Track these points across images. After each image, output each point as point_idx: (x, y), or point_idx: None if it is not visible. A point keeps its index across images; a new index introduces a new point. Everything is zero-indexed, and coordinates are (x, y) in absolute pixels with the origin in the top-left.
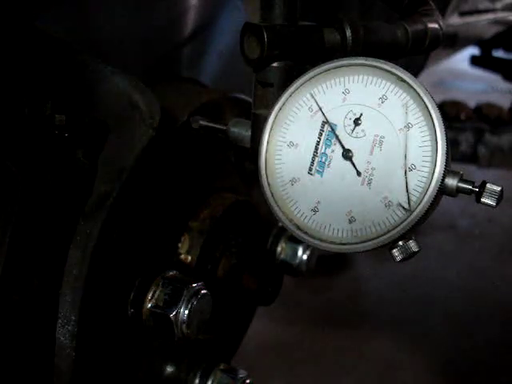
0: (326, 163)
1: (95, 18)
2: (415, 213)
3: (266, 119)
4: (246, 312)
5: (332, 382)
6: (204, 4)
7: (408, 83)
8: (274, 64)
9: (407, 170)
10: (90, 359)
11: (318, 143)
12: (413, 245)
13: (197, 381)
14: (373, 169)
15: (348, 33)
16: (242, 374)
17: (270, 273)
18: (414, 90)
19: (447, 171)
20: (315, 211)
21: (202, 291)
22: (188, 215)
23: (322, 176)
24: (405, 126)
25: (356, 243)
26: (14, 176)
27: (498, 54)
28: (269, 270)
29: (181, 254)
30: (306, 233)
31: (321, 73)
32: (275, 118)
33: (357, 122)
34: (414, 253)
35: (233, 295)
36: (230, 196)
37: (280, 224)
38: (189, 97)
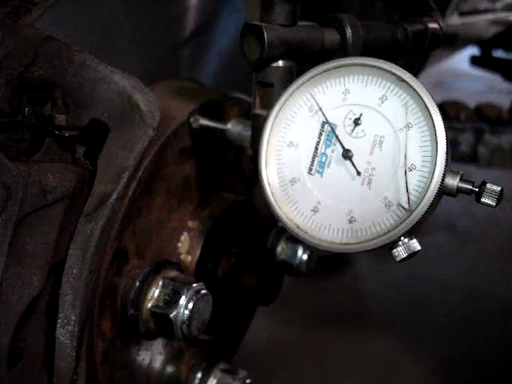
0: (326, 163)
1: (96, 17)
2: (415, 213)
3: (265, 119)
4: (246, 312)
5: (332, 381)
6: (204, 4)
7: (408, 83)
8: (274, 64)
9: (407, 169)
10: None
11: (317, 143)
12: (413, 245)
13: (197, 381)
14: (373, 169)
15: (348, 33)
16: (241, 373)
17: (269, 273)
18: (414, 89)
19: (447, 171)
20: (315, 211)
21: (202, 291)
22: (188, 215)
23: (321, 176)
24: (405, 126)
25: (356, 243)
26: (15, 176)
27: (498, 54)
28: (269, 270)
29: (181, 254)
30: (305, 233)
31: (321, 73)
32: (275, 117)
33: (357, 122)
34: (414, 253)
35: (233, 295)
36: (229, 196)
37: (280, 224)
38: (189, 97)
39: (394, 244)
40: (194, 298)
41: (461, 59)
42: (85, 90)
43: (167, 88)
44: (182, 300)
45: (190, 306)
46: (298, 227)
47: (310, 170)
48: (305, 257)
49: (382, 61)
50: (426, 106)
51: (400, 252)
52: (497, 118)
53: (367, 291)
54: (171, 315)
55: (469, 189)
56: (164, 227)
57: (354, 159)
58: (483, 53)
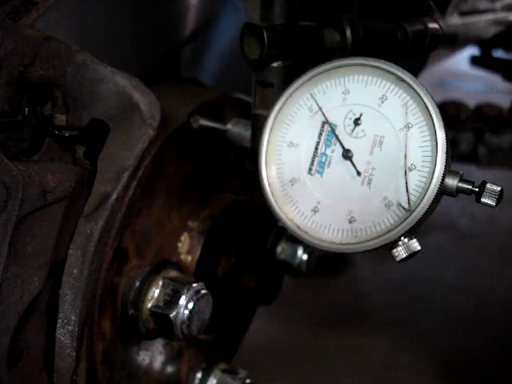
0: (326, 163)
1: (96, 17)
2: (415, 213)
3: (265, 119)
4: (245, 312)
5: (332, 381)
6: (204, 4)
7: (408, 83)
8: (274, 64)
9: (407, 170)
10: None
11: (317, 143)
12: (413, 245)
13: (197, 381)
14: (373, 169)
15: (348, 33)
16: (242, 373)
17: (269, 273)
18: (414, 90)
19: (447, 171)
20: (315, 211)
21: (202, 291)
22: (188, 215)
23: (321, 176)
24: (405, 126)
25: (356, 243)
26: (15, 176)
27: (498, 54)
28: (269, 270)
29: (181, 254)
30: (306, 233)
31: (321, 73)
32: (275, 118)
33: (357, 122)
34: (414, 253)
35: (233, 295)
36: (229, 196)
37: (280, 224)
38: (189, 97)
39: (394, 244)
40: (194, 298)
41: (461, 59)
42: (85, 90)
43: (167, 88)
44: (182, 300)
45: (190, 306)
46: (298, 227)
47: (310, 170)
48: (305, 257)
49: (382, 61)
50: (426, 105)
51: (400, 252)
52: (497, 118)
53: (367, 291)
54: (171, 315)
55: (469, 189)
56: (164, 227)
57: (353, 159)
58: (483, 53)
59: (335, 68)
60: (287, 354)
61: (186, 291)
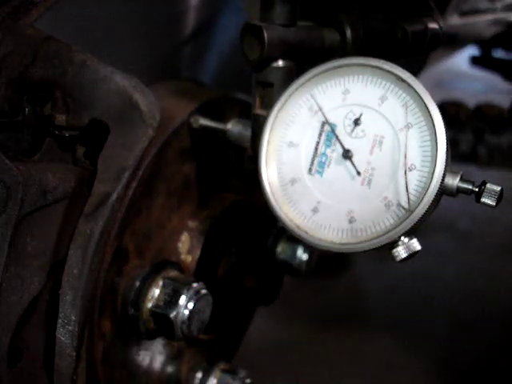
0: (326, 163)
1: (96, 18)
2: (415, 213)
3: (266, 119)
4: (245, 312)
5: (332, 381)
6: (204, 4)
7: (408, 83)
8: (274, 64)
9: (407, 170)
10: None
11: (317, 143)
12: (413, 245)
13: (197, 381)
14: (373, 169)
15: (348, 33)
16: (242, 373)
17: (269, 273)
18: (414, 89)
19: (447, 171)
20: (315, 211)
21: (202, 291)
22: (188, 215)
23: (321, 176)
24: (405, 126)
25: (356, 243)
26: (15, 176)
27: (498, 54)
28: (269, 270)
29: (181, 254)
30: (306, 233)
31: (321, 73)
32: (275, 118)
33: (357, 122)
34: (415, 253)
35: (233, 295)
36: (229, 196)
37: (280, 224)
38: (189, 97)
39: (393, 244)
40: (194, 297)
41: (461, 59)
42: (85, 90)
43: (167, 88)
44: (182, 300)
45: (190, 305)
46: (299, 227)
47: (310, 170)
48: (305, 257)
49: (382, 61)
50: (425, 106)
51: (400, 252)
52: (497, 118)
53: (367, 291)
54: (171, 315)
55: (469, 189)
56: (164, 227)
57: (353, 159)
58: (483, 53)
59: (335, 68)
60: (287, 354)
61: (186, 291)
